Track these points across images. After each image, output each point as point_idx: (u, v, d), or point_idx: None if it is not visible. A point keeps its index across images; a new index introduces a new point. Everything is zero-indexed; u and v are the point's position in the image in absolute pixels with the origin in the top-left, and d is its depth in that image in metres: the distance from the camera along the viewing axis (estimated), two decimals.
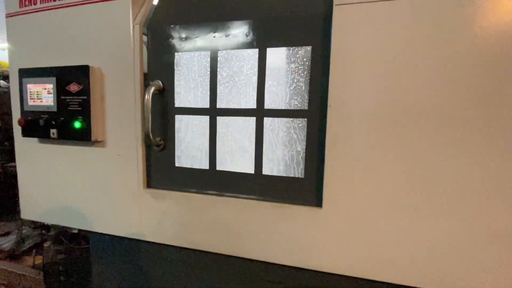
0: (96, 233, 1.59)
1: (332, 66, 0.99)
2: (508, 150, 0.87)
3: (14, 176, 3.74)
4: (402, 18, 0.93)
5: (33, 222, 3.17)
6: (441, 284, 0.98)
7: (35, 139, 1.45)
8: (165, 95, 1.27)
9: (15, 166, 3.92)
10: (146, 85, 1.25)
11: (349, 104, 0.99)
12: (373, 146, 0.99)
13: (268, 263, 1.21)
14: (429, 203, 0.96)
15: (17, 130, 1.47)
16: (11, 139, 3.97)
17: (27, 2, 1.39)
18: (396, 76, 0.94)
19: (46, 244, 2.44)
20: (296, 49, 1.07)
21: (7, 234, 3.38)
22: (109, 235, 1.55)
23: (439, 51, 0.90)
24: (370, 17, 0.95)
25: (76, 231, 1.67)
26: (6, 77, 4.45)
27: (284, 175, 1.14)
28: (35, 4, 1.37)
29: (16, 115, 1.46)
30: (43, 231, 3.21)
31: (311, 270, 1.14)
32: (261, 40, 1.11)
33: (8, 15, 1.45)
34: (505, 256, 0.91)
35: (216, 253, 1.29)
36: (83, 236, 2.47)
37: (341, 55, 0.98)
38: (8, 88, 4.21)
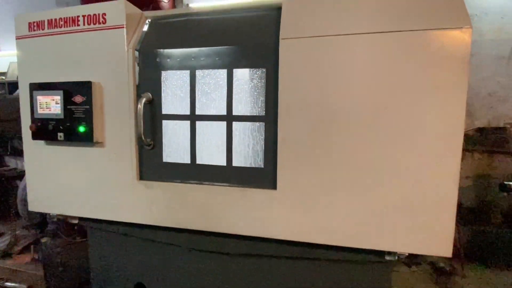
0: (95, 222, 1.87)
1: (280, 83, 1.33)
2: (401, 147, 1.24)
3: (7, 179, 3.90)
4: (329, 48, 1.28)
5: (27, 224, 3.35)
6: (364, 242, 1.33)
7: (42, 142, 1.71)
8: (154, 105, 1.57)
9: (8, 170, 4.08)
10: (138, 96, 1.55)
11: (293, 111, 1.34)
12: (312, 142, 1.33)
13: (238, 237, 1.53)
14: (354, 183, 1.31)
15: (26, 134, 1.73)
16: (2, 144, 4.12)
17: (35, 28, 1.66)
18: (326, 90, 1.30)
19: (43, 240, 2.67)
20: (255, 70, 1.41)
21: (0, 235, 3.54)
22: (106, 223, 1.83)
23: (352, 74, 1.26)
24: (306, 47, 1.30)
25: (76, 221, 1.92)
26: None
27: (249, 166, 1.47)
28: (43, 29, 1.65)
29: (25, 122, 1.73)
30: (37, 231, 3.39)
31: (269, 240, 1.47)
32: (229, 63, 1.44)
33: (18, 37, 1.72)
34: (404, 219, 1.27)
35: (196, 232, 1.60)
36: (79, 231, 2.71)
37: (286, 76, 1.33)
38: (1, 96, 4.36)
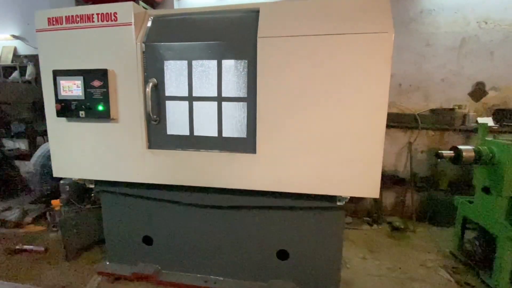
0: (109, 186, 2.27)
1: (258, 72, 1.75)
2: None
3: (10, 158, 4.17)
4: (295, 45, 1.70)
5: (38, 196, 3.70)
6: (321, 188, 1.82)
7: (64, 119, 2.07)
8: (158, 88, 1.96)
9: (13, 149, 4.34)
10: (145, 82, 1.93)
11: (269, 93, 1.77)
12: (282, 117, 1.78)
13: (228, 191, 1.99)
14: (311, 145, 1.78)
15: (49, 112, 2.08)
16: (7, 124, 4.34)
17: (54, 22, 1.97)
18: (291, 77, 1.73)
19: (57, 208, 3.06)
20: (239, 61, 1.81)
21: (9, 208, 3.86)
22: (119, 186, 2.24)
23: (309, 65, 1.70)
24: (279, 44, 1.72)
25: (92, 186, 2.32)
26: None
27: (235, 136, 1.91)
28: (61, 24, 1.96)
29: (48, 102, 2.07)
30: (45, 204, 3.75)
31: (252, 193, 1.94)
32: (218, 55, 1.83)
33: (38, 30, 2.02)
34: (346, 171, 1.76)
35: (194, 189, 2.05)
36: (88, 199, 3.10)
37: (263, 66, 1.75)
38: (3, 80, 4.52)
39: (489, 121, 3.44)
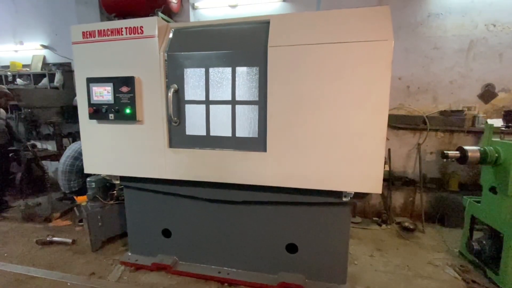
0: (133, 182, 2.49)
1: (268, 77, 1.93)
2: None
3: (40, 158, 4.52)
4: (302, 53, 1.87)
5: (66, 192, 4.01)
6: (327, 184, 1.95)
7: (95, 121, 2.31)
8: (179, 93, 2.17)
9: (41, 150, 4.70)
10: (167, 87, 2.14)
11: (278, 97, 1.94)
12: (290, 119, 1.94)
13: (241, 187, 2.16)
14: (317, 144, 1.92)
15: (82, 115, 2.33)
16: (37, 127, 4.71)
17: (88, 35, 2.23)
18: (299, 82, 1.89)
19: (83, 203, 3.32)
20: (251, 68, 1.99)
21: (39, 205, 4.19)
22: (142, 182, 2.45)
23: (316, 71, 1.86)
24: (287, 52, 1.88)
25: (118, 181, 2.55)
26: (20, 76, 5.13)
27: (248, 136, 2.09)
28: (94, 37, 2.21)
29: (81, 106, 2.32)
30: (71, 200, 4.05)
31: (263, 188, 2.10)
32: (233, 62, 2.02)
33: (74, 43, 2.28)
34: (352, 168, 1.89)
35: (210, 185, 2.23)
36: (112, 195, 3.35)
37: (273, 72, 1.92)
38: (23, 85, 4.90)
39: (498, 122, 3.46)
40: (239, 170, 2.09)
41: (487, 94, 3.61)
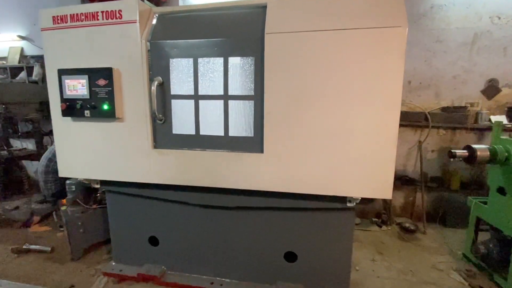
0: (115, 186, 2.25)
1: (265, 69, 1.70)
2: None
3: (18, 158, 4.20)
4: (303, 41, 1.65)
5: (45, 195, 3.72)
6: (330, 189, 1.76)
7: (69, 118, 2.05)
8: (164, 87, 1.92)
9: (18, 150, 4.37)
10: (150, 80, 1.90)
11: (277, 91, 1.72)
12: (289, 115, 1.73)
13: (234, 192, 1.95)
14: (320, 144, 1.72)
15: (54, 112, 2.06)
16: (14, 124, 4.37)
17: (59, 21, 1.95)
18: (300, 74, 1.67)
19: (63, 208, 3.05)
20: (246, 58, 1.77)
21: (17, 208, 3.89)
22: (125, 187, 2.21)
23: (319, 62, 1.64)
24: (287, 40, 1.66)
25: (98, 186, 2.30)
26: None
27: (242, 135, 1.86)
28: (65, 22, 1.94)
29: (53, 102, 2.05)
30: (51, 204, 3.76)
31: (259, 193, 1.89)
32: (225, 52, 1.79)
33: (43, 29, 2.00)
34: (357, 171, 1.70)
35: (201, 189, 2.01)
36: (94, 199, 3.09)
37: (270, 63, 1.69)
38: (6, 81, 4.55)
39: (502, 119, 3.33)
40: (233, 173, 1.87)
41: (491, 89, 3.48)
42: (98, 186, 2.31)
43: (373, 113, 1.61)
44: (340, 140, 1.68)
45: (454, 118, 3.52)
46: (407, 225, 3.54)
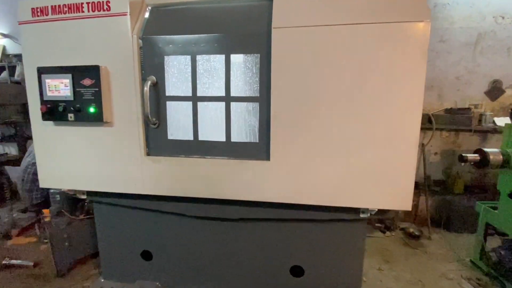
0: (103, 197, 2.04)
1: (272, 67, 1.53)
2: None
3: (1, 164, 3.91)
4: (315, 37, 1.49)
5: (29, 205, 3.45)
6: (343, 201, 1.60)
7: (51, 123, 1.84)
8: (158, 87, 1.73)
9: (1, 155, 4.06)
10: (143, 80, 1.70)
11: (284, 92, 1.55)
12: (299, 119, 1.56)
13: (237, 203, 1.77)
14: (333, 151, 1.56)
15: (34, 115, 1.85)
16: None
17: (39, 13, 1.74)
18: (310, 73, 1.51)
19: (47, 219, 2.80)
20: (251, 55, 1.59)
21: None
22: (114, 197, 2.00)
23: (333, 59, 1.48)
24: (297, 36, 1.50)
25: (84, 196, 2.08)
26: None
27: (246, 141, 1.69)
28: (47, 15, 1.73)
29: (33, 104, 1.83)
30: (36, 213, 3.49)
31: (264, 204, 1.72)
32: (226, 48, 1.61)
33: (21, 23, 1.79)
34: (374, 181, 1.54)
35: (199, 200, 1.82)
36: (81, 209, 2.86)
37: (278, 60, 1.53)
38: None
39: (506, 121, 3.25)
40: (235, 183, 1.69)
41: (495, 90, 3.40)
42: (84, 197, 2.10)
43: (392, 116, 1.47)
44: (355, 145, 1.52)
45: (458, 120, 3.43)
46: (411, 230, 3.42)
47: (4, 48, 4.58)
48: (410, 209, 1.54)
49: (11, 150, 4.62)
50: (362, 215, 1.71)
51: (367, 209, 1.64)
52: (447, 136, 3.58)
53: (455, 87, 3.47)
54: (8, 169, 4.50)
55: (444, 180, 3.63)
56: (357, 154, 1.53)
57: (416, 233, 3.37)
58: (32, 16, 1.75)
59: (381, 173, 1.53)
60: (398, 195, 1.53)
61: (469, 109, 3.42)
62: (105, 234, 2.27)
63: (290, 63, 1.51)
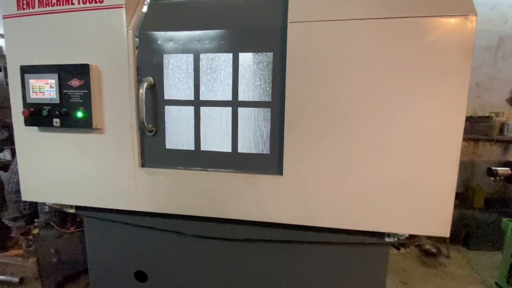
0: (92, 211, 1.83)
1: (287, 68, 1.33)
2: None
3: None
4: (338, 33, 1.28)
5: (16, 215, 3.23)
6: (367, 224, 1.37)
7: (36, 128, 1.63)
8: (155, 89, 1.53)
9: None
10: (139, 81, 1.50)
11: (300, 96, 1.34)
12: (317, 128, 1.35)
13: (243, 222, 1.55)
14: (357, 166, 1.34)
15: (17, 120, 1.65)
16: None
17: (25, 6, 1.55)
18: (332, 75, 1.30)
19: (35, 231, 2.59)
20: (262, 54, 1.39)
21: None
22: (105, 212, 1.79)
23: (357, 59, 1.27)
24: (316, 31, 1.30)
25: (72, 211, 1.87)
26: None
27: (255, 152, 1.47)
28: (33, 8, 1.54)
29: (16, 107, 1.64)
30: (26, 223, 3.27)
31: (275, 225, 1.49)
32: (234, 46, 1.41)
33: (6, 16, 1.60)
34: (404, 201, 1.32)
35: (199, 218, 1.60)
36: (72, 221, 2.64)
37: (294, 60, 1.32)
38: None
39: None
40: (242, 200, 1.47)
41: None
42: (72, 211, 1.88)
43: (429, 125, 1.25)
44: (383, 158, 1.30)
45: (478, 128, 3.21)
46: (427, 247, 3.18)
47: None
48: (448, 235, 1.31)
49: (5, 154, 4.43)
50: (387, 239, 1.48)
51: (398, 234, 1.40)
52: (466, 146, 3.35)
53: (475, 94, 3.26)
54: (2, 174, 4.31)
55: (463, 193, 3.39)
56: (385, 169, 1.31)
57: (433, 250, 3.13)
58: (17, 9, 1.57)
59: (414, 192, 1.30)
60: (434, 218, 1.31)
61: (490, 117, 3.20)
62: (95, 251, 2.05)
63: (308, 63, 1.31)
